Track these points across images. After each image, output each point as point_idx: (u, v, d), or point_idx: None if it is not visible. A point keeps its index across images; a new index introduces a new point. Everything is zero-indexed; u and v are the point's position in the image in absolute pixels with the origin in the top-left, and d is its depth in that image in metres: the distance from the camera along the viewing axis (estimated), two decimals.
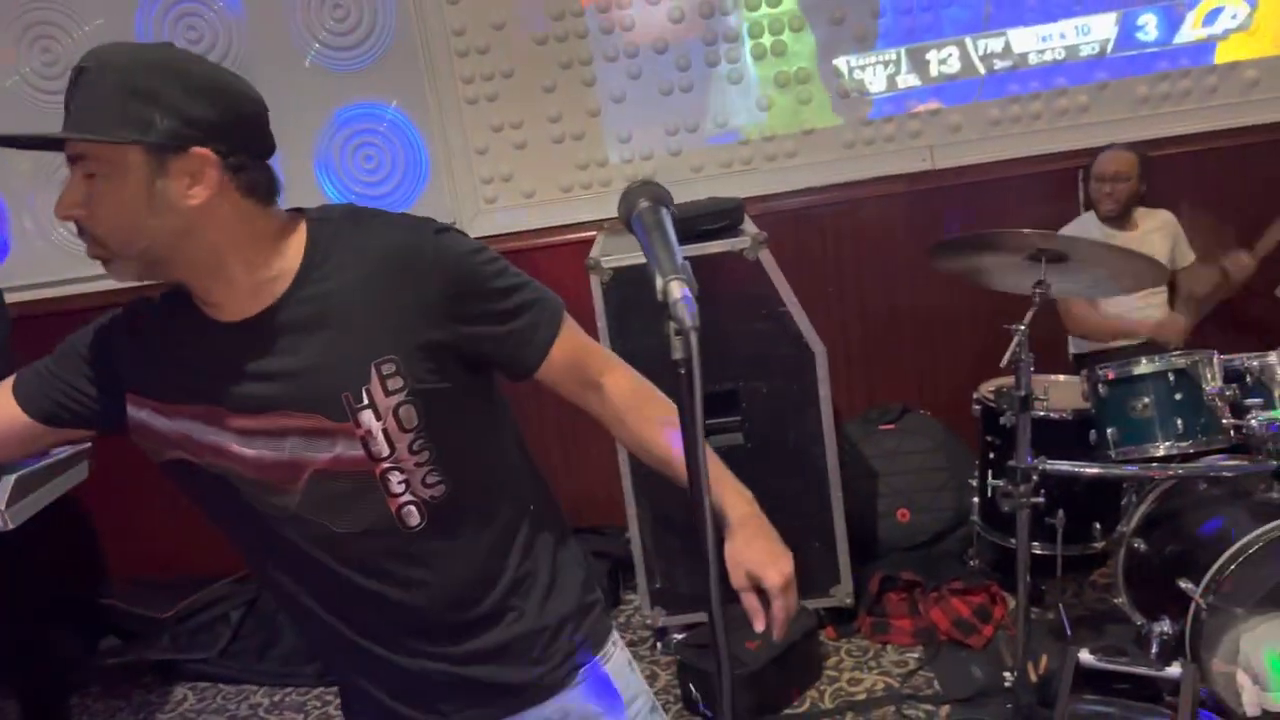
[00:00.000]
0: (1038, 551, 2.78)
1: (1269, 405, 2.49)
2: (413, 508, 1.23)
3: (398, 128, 3.62)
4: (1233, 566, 2.29)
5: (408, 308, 1.18)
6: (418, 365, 1.18)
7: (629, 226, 1.03)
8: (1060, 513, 2.69)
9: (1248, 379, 2.56)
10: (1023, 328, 2.36)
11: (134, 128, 1.08)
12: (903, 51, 3.60)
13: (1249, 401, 2.50)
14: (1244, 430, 2.48)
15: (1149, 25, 3.57)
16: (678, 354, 0.86)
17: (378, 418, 1.18)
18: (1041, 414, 2.68)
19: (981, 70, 3.61)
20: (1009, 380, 2.51)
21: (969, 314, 3.56)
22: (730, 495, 1.27)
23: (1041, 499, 2.44)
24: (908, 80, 3.63)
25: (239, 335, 1.18)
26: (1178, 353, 2.62)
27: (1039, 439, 2.47)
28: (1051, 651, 2.73)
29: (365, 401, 1.18)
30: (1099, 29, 3.57)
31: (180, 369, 1.22)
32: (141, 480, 3.83)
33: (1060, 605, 2.91)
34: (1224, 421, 2.52)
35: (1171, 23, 3.56)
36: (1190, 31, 3.56)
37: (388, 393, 1.18)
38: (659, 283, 0.90)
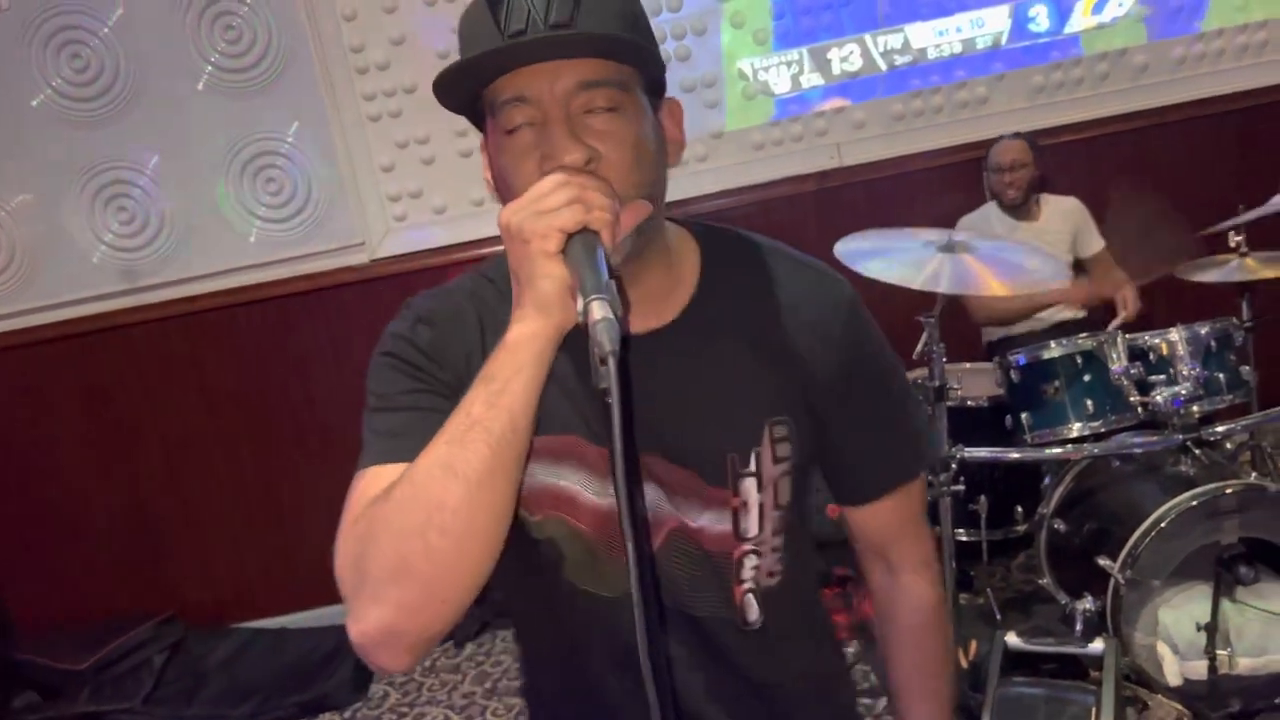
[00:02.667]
0: (963, 538, 2.83)
1: (1172, 381, 2.56)
2: (752, 598, 1.05)
3: (300, 149, 3.53)
4: (1147, 541, 2.35)
5: (808, 364, 1.01)
6: (806, 432, 1.01)
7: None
8: (982, 498, 2.74)
9: (1151, 356, 2.63)
10: (933, 319, 2.40)
11: (653, 58, 0.91)
12: (804, 51, 3.64)
13: (1153, 378, 2.58)
14: (1150, 407, 2.55)
15: (1040, 16, 3.66)
16: (603, 383, 0.78)
17: (759, 489, 1.01)
18: (957, 403, 2.72)
19: (883, 66, 3.66)
20: (925, 371, 2.54)
21: (884, 306, 3.52)
22: None
23: (962, 486, 2.47)
24: (811, 80, 3.66)
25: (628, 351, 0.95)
26: (1083, 335, 2.68)
27: (957, 427, 2.51)
28: (982, 636, 2.77)
29: (752, 467, 1.00)
30: (993, 21, 3.65)
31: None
32: (37, 521, 3.70)
33: (988, 589, 2.96)
34: (1131, 399, 2.58)
35: (1062, 12, 3.66)
36: (1080, 20, 3.66)
37: (776, 459, 1.01)
38: (579, 303, 0.81)
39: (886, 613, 1.18)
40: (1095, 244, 3.46)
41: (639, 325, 0.99)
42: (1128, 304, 3.16)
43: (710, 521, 1.02)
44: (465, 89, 0.92)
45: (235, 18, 3.43)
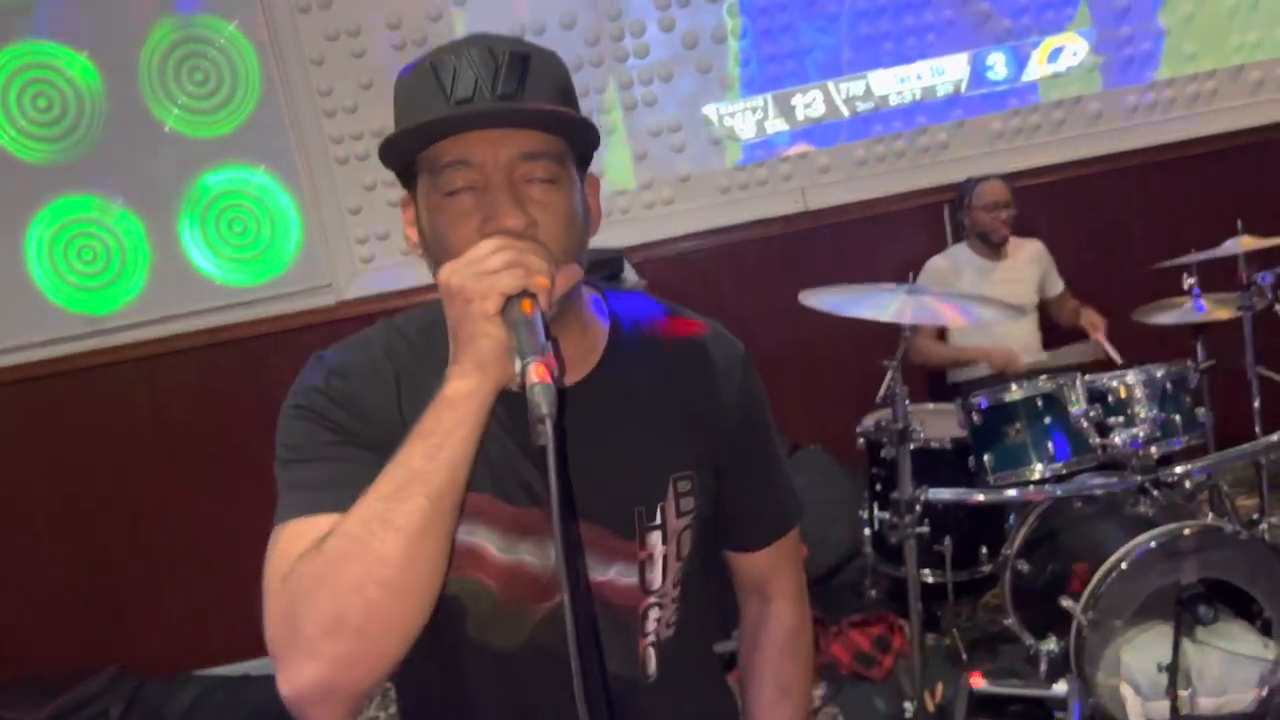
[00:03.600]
0: (929, 580, 2.84)
1: (1130, 423, 2.60)
2: (651, 650, 1.08)
3: (266, 191, 3.53)
4: (1108, 581, 2.37)
5: (708, 419, 1.06)
6: (708, 485, 1.06)
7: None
8: (947, 539, 2.76)
9: (1110, 399, 2.67)
10: (895, 362, 2.43)
11: (592, 135, 0.96)
12: (769, 97, 3.70)
13: (1112, 420, 2.62)
14: (1109, 449, 2.59)
15: (998, 64, 3.75)
16: (540, 441, 0.80)
17: (664, 541, 1.04)
18: (920, 444, 2.75)
19: (845, 112, 3.73)
20: (889, 413, 2.57)
21: (851, 348, 3.63)
22: None
23: (927, 528, 2.49)
24: (776, 125, 3.72)
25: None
26: (1044, 377, 2.72)
27: (921, 468, 2.53)
28: (949, 677, 2.78)
29: (658, 520, 1.04)
30: (952, 69, 3.73)
31: None
32: None
33: (954, 630, 2.97)
34: (1091, 441, 2.62)
35: (1019, 61, 3.75)
36: (1037, 69, 3.76)
37: (679, 513, 1.05)
38: (517, 364, 0.84)
39: (753, 639, 1.22)
40: (1058, 284, 3.58)
41: None
42: (1095, 324, 3.33)
43: (617, 574, 1.04)
44: (407, 150, 0.95)
45: (204, 60, 3.44)
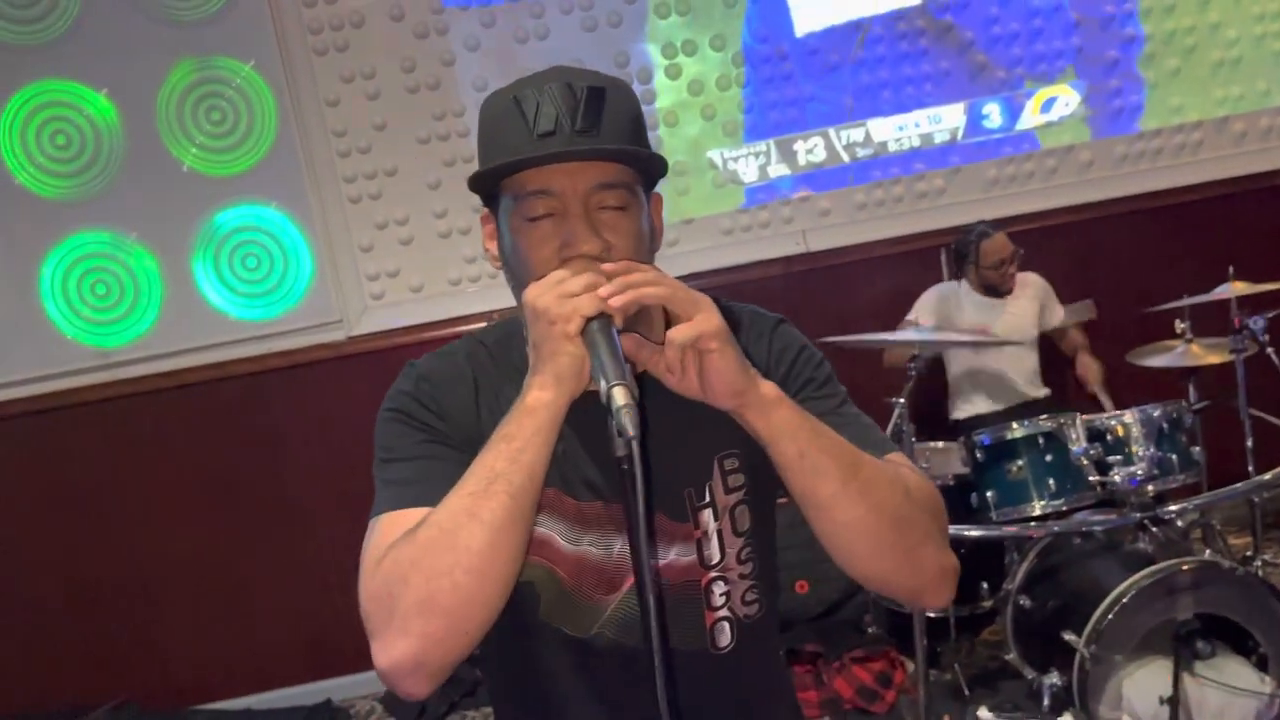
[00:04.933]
0: (930, 614, 2.88)
1: (1128, 461, 2.68)
2: (726, 625, 1.13)
3: (279, 228, 3.59)
4: (1110, 616, 2.43)
5: None
6: (758, 460, 1.07)
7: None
8: None
9: (1108, 437, 2.75)
10: (902, 400, 2.49)
11: (661, 166, 1.07)
12: (772, 143, 3.80)
13: (1111, 458, 2.69)
14: (1108, 486, 2.66)
15: (993, 113, 3.87)
16: (620, 451, 0.88)
17: (715, 518, 1.11)
18: None
19: (846, 158, 3.84)
20: None
21: (854, 386, 3.69)
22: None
23: None
24: (778, 169, 3.82)
25: (595, 409, 0.98)
26: (1044, 416, 2.80)
27: None
28: (952, 711, 2.82)
29: (707, 499, 1.11)
30: (949, 118, 3.85)
31: None
32: None
33: (956, 665, 3.02)
34: (1091, 479, 2.69)
35: (1013, 111, 3.87)
36: (1030, 118, 3.88)
37: (728, 490, 1.11)
38: (603, 386, 0.91)
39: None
40: (1058, 315, 3.65)
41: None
42: (1090, 371, 3.42)
43: (677, 555, 1.11)
44: (495, 178, 1.05)
45: (221, 100, 3.51)
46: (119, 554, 3.62)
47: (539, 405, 0.97)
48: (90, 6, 3.42)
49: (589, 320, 0.96)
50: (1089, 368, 3.52)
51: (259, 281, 3.60)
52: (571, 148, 1.00)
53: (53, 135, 3.48)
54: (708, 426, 1.06)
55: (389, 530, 1.00)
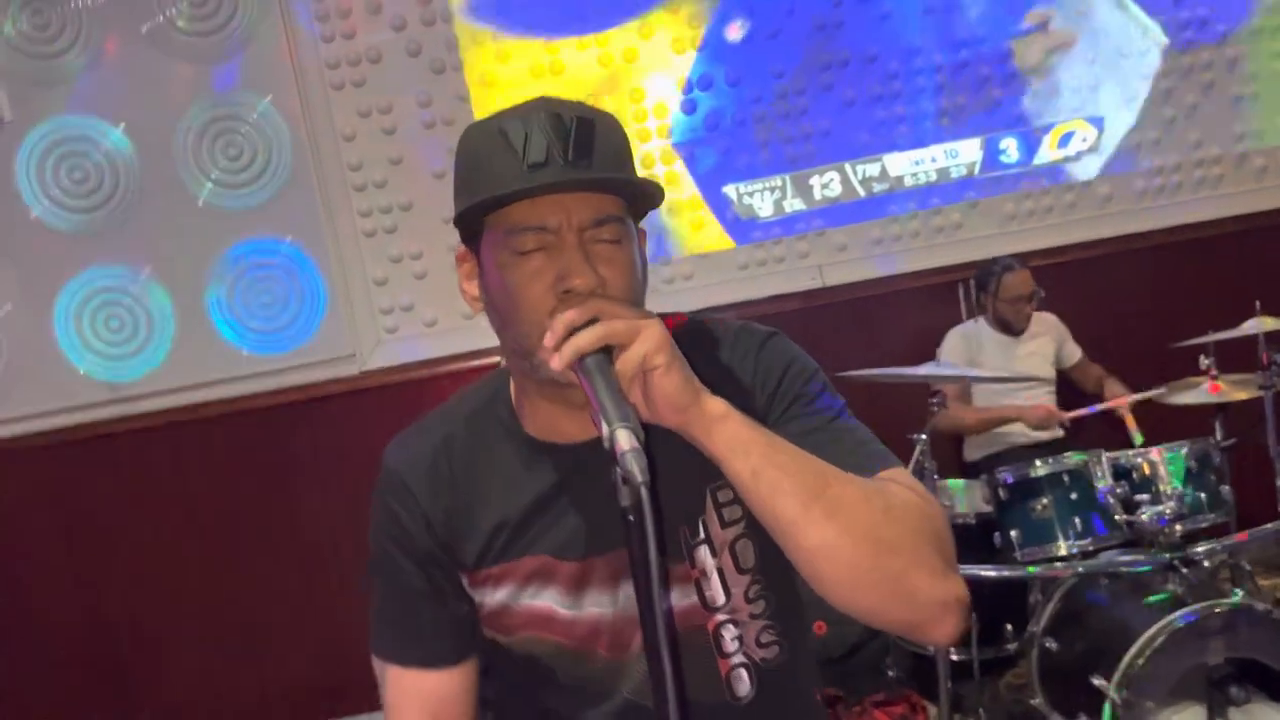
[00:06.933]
0: (955, 657, 2.82)
1: (1156, 500, 2.61)
2: (743, 671, 1.06)
3: (294, 262, 3.59)
4: (1141, 660, 2.36)
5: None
6: None
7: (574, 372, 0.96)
8: (973, 616, 2.74)
9: (1135, 476, 2.69)
10: (924, 436, 2.45)
11: (656, 198, 1.02)
12: (787, 178, 3.79)
13: (1138, 497, 2.63)
14: (1135, 525, 2.60)
15: (1010, 148, 3.85)
16: (625, 501, 0.82)
17: (714, 554, 1.04)
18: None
19: (861, 193, 3.82)
20: None
21: (872, 422, 3.65)
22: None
23: None
24: (794, 204, 3.81)
25: (583, 456, 0.98)
26: (1069, 454, 2.74)
27: None
28: None
29: (702, 535, 1.03)
30: (966, 152, 3.83)
31: (501, 514, 1.04)
32: None
33: (980, 709, 2.94)
34: (1117, 518, 2.63)
35: (1030, 146, 3.85)
36: (1048, 153, 3.86)
37: (724, 523, 1.04)
38: (605, 430, 0.85)
39: None
40: (1075, 354, 3.62)
41: (580, 433, 1.02)
42: (1119, 397, 3.34)
43: (677, 599, 1.04)
44: (481, 210, 0.99)
45: (237, 135, 3.53)
46: (131, 589, 3.59)
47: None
48: (108, 42, 3.44)
49: (583, 358, 0.90)
50: (1114, 389, 3.46)
51: (272, 315, 3.59)
52: (566, 178, 0.95)
53: (70, 170, 3.49)
54: (697, 455, 0.97)
55: (395, 694, 1.10)
